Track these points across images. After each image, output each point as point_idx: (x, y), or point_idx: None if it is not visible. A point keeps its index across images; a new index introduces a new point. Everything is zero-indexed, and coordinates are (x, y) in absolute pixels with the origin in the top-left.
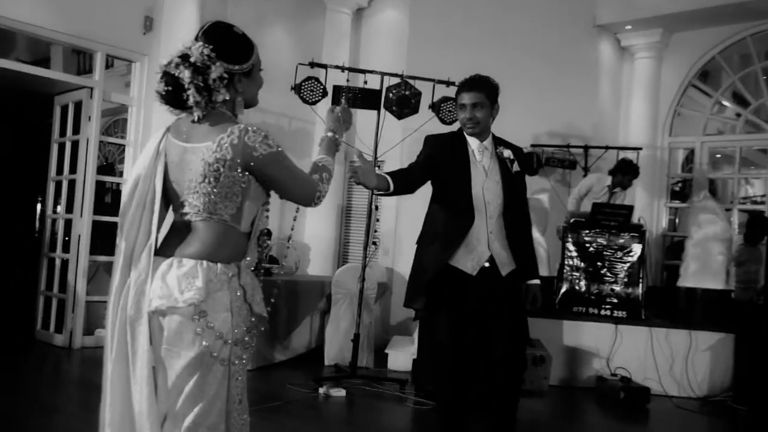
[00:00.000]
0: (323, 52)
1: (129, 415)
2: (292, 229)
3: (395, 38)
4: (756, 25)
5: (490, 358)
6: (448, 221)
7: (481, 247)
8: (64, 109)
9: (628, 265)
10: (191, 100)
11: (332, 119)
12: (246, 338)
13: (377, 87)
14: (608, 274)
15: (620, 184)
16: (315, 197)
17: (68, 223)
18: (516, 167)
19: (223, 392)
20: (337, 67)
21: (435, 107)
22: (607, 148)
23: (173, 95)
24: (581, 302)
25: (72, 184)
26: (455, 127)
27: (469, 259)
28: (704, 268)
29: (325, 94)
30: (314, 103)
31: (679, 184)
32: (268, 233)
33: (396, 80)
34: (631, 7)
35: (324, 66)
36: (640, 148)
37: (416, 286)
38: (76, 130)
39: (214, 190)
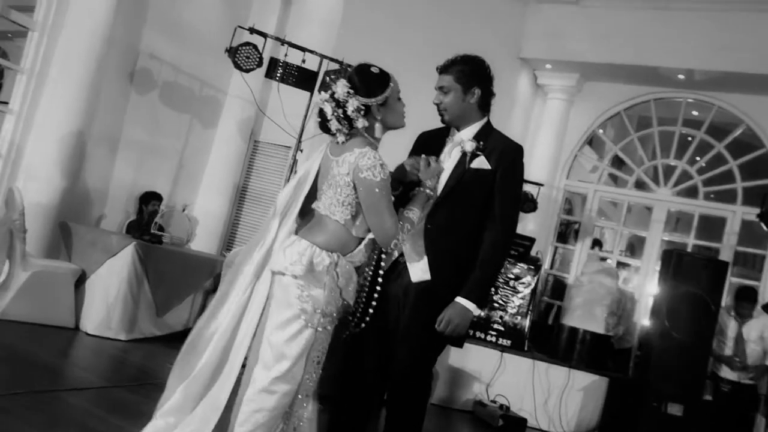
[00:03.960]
0: (250, 17)
1: (228, 349)
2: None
3: (326, 19)
4: (661, 91)
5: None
6: None
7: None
8: None
9: (519, 295)
10: (333, 128)
11: (430, 173)
12: (333, 314)
13: (314, 68)
14: (499, 301)
15: None
16: (390, 243)
17: None
18: (482, 164)
19: (304, 357)
20: (278, 39)
21: None
22: None
23: (323, 124)
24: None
25: None
26: None
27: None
28: (589, 313)
29: (260, 63)
30: (248, 70)
31: (562, 226)
32: (158, 197)
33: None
34: (556, 47)
35: (264, 35)
36: (542, 185)
37: None
38: None
39: (334, 195)
